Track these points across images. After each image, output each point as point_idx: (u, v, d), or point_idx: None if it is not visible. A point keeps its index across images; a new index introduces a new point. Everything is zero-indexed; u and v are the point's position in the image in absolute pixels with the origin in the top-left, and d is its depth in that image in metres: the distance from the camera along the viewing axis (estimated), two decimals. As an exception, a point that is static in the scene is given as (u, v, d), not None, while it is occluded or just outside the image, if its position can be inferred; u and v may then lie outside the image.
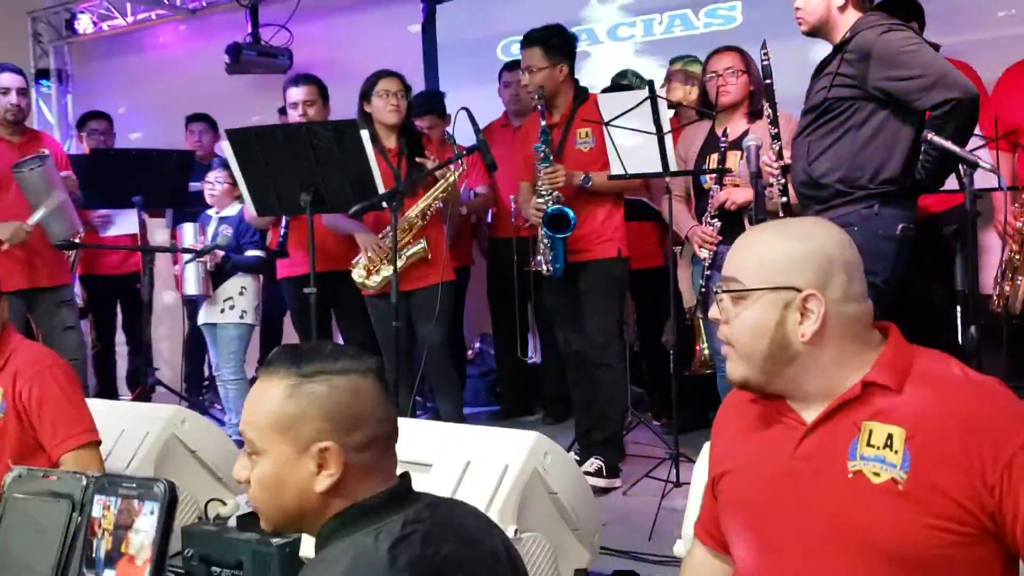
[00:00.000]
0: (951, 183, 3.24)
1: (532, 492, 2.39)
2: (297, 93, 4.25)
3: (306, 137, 3.57)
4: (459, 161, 3.73)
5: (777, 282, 1.41)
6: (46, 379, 2.53)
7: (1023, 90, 3.56)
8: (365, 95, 3.90)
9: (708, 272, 3.45)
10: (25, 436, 2.53)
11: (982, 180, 3.22)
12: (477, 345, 5.52)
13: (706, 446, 2.37)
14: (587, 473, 3.57)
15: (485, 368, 5.37)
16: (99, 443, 2.58)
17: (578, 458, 3.70)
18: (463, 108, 3.54)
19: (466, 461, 2.41)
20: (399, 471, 1.38)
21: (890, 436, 1.35)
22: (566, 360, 3.99)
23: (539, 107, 3.70)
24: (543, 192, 3.65)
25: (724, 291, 1.46)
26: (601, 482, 3.62)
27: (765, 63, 3.09)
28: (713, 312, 1.50)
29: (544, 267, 3.75)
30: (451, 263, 4.01)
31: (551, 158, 3.66)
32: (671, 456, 3.61)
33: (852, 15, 2.82)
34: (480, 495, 2.27)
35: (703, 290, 3.42)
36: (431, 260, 3.83)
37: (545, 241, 3.69)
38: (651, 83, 3.54)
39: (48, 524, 1.87)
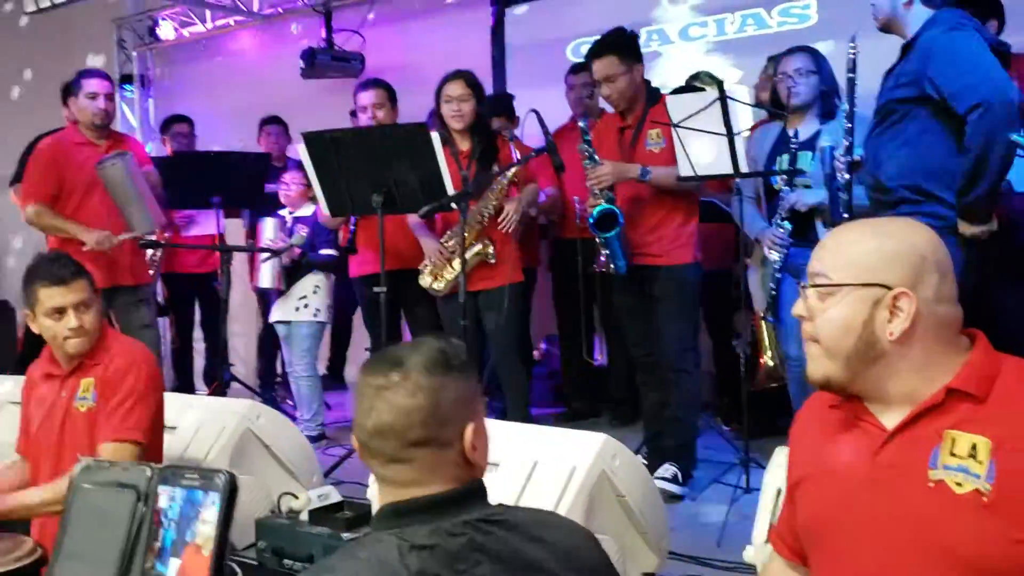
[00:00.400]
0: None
1: (600, 494, 2.38)
2: (366, 97, 4.33)
3: (378, 140, 3.63)
4: (518, 164, 3.74)
5: (868, 279, 1.39)
6: (131, 371, 2.58)
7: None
8: (437, 99, 3.95)
9: (779, 275, 3.40)
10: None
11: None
12: (543, 346, 5.53)
13: (778, 452, 2.37)
14: (662, 479, 3.55)
15: (551, 369, 5.37)
16: (142, 447, 2.55)
17: (645, 462, 3.68)
18: (532, 110, 3.56)
19: (534, 461, 2.41)
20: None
21: (974, 446, 1.32)
22: (637, 364, 3.97)
23: (595, 110, 3.70)
24: (595, 191, 3.64)
25: (812, 286, 1.45)
26: (675, 488, 3.59)
27: (852, 55, 3.04)
28: (798, 308, 1.47)
29: (608, 266, 3.74)
30: (519, 264, 4.03)
31: (596, 159, 3.64)
32: (741, 462, 3.57)
33: (921, 11, 2.78)
34: (548, 496, 2.27)
35: (773, 293, 3.37)
36: (497, 261, 3.85)
37: (600, 241, 3.68)
38: (721, 83, 3.51)
39: (114, 514, 1.92)
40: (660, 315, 3.75)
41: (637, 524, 2.50)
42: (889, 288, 1.38)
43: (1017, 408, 1.34)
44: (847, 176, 3.02)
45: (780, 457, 2.35)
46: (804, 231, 3.40)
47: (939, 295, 1.39)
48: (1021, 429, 1.31)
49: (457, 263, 3.74)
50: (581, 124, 3.72)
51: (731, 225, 3.97)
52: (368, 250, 4.21)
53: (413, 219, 4.01)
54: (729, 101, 3.35)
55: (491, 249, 3.84)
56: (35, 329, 2.63)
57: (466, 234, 3.65)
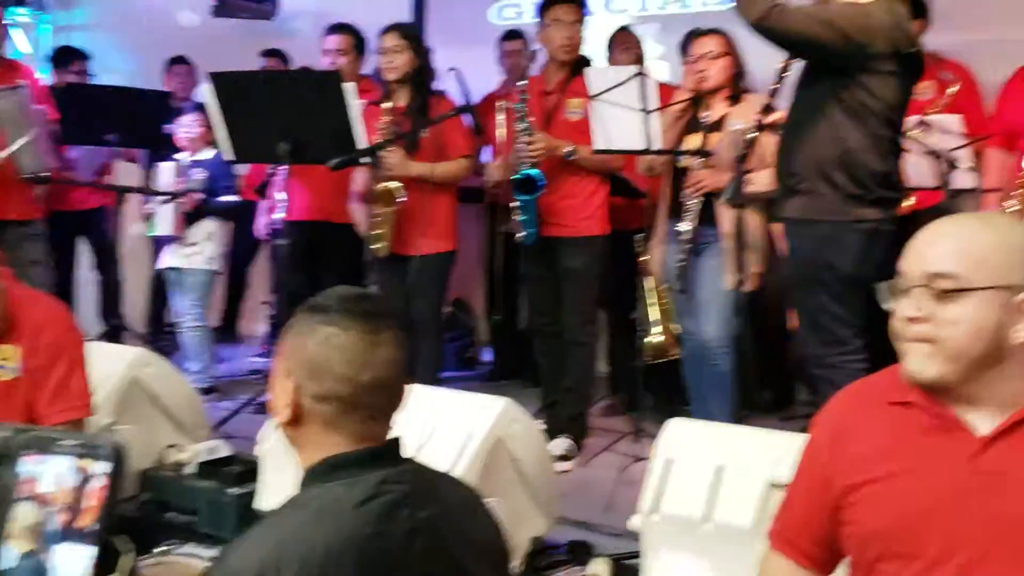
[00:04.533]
0: (929, 180, 3.30)
1: (496, 458, 2.40)
2: (330, 41, 4.25)
3: (289, 85, 3.52)
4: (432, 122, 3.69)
5: (999, 281, 1.34)
6: (63, 339, 2.40)
7: (1019, 94, 3.57)
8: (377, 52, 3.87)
9: (688, 246, 3.43)
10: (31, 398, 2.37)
11: (962, 180, 3.28)
12: (448, 310, 5.51)
13: (670, 423, 2.42)
14: (555, 455, 3.59)
15: (455, 333, 5.37)
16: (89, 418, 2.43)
17: (543, 427, 3.72)
18: (452, 69, 3.51)
19: (432, 426, 2.41)
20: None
21: None
22: (537, 332, 3.99)
23: (530, 67, 3.68)
24: (521, 156, 3.63)
25: (938, 289, 1.35)
26: (565, 465, 3.62)
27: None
28: (909, 309, 1.39)
29: (519, 233, 3.74)
30: (451, 231, 3.97)
31: (528, 120, 3.62)
32: (633, 431, 3.64)
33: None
34: (444, 458, 2.27)
35: (682, 264, 3.40)
36: (428, 227, 3.81)
37: (516, 205, 3.67)
38: (639, 59, 3.52)
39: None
40: (564, 286, 3.77)
41: (529, 488, 2.53)
42: (1018, 290, 1.34)
43: None
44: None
45: (672, 428, 2.41)
46: (708, 209, 3.45)
47: None
48: None
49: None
50: (521, 83, 3.67)
51: (640, 200, 4.00)
52: (296, 197, 4.11)
53: (358, 186, 3.95)
54: (646, 78, 3.36)
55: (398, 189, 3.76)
56: None
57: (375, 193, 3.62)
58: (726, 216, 3.29)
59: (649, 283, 3.81)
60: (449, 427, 2.40)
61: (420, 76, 3.83)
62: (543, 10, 3.77)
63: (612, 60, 4.39)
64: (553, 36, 3.72)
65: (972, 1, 4.30)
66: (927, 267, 1.37)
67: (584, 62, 3.80)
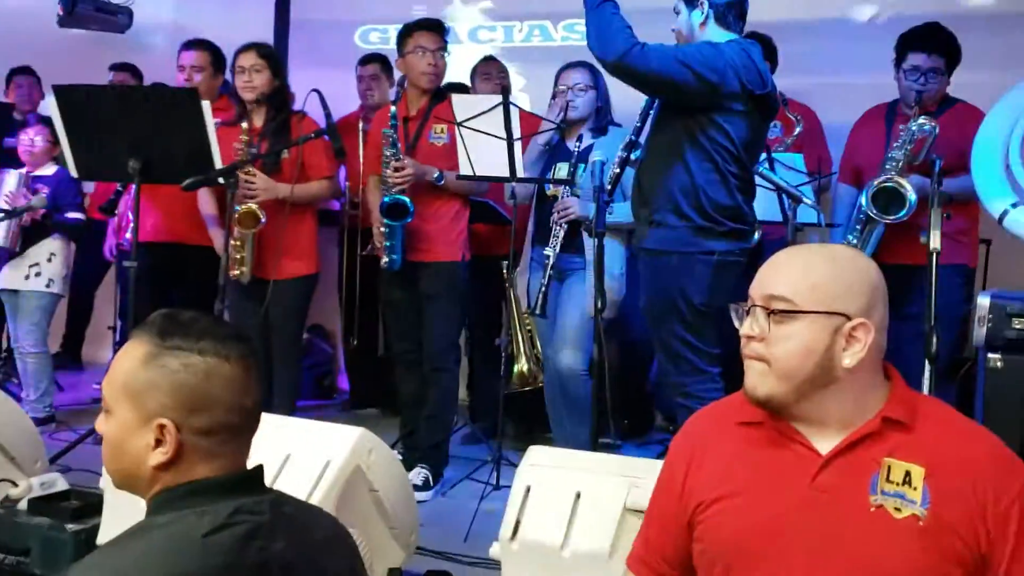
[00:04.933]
0: (776, 214, 3.46)
1: (353, 488, 2.35)
2: (186, 57, 4.11)
3: (142, 101, 3.39)
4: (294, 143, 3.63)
5: (832, 307, 1.41)
6: None
7: (867, 135, 3.79)
8: (231, 69, 3.76)
9: (551, 272, 3.47)
10: None
11: (806, 215, 3.45)
12: (305, 336, 5.38)
13: (531, 451, 2.42)
14: (414, 484, 3.54)
15: (313, 361, 5.26)
16: None
17: (402, 456, 3.67)
18: (314, 90, 3.45)
19: (286, 454, 2.34)
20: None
21: (908, 473, 1.38)
22: (397, 359, 3.94)
23: (396, 93, 3.67)
24: (388, 181, 3.61)
25: (773, 310, 1.42)
26: (423, 495, 3.58)
27: None
28: (746, 328, 1.46)
29: (383, 258, 3.70)
30: (313, 255, 3.91)
31: (399, 145, 3.61)
32: (492, 459, 3.64)
33: (716, 31, 2.89)
34: (300, 489, 2.20)
35: (543, 291, 3.44)
36: (292, 252, 3.74)
37: (383, 230, 3.64)
38: (505, 89, 3.57)
39: None
40: (427, 312, 3.75)
41: (387, 518, 2.48)
42: (849, 317, 1.41)
43: (942, 437, 1.42)
44: (609, 188, 3.14)
45: (532, 455, 2.41)
46: (571, 238, 3.51)
47: (882, 325, 1.44)
48: (947, 457, 1.39)
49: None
50: (392, 109, 3.63)
51: (507, 227, 4.01)
52: (147, 216, 3.94)
53: (206, 208, 3.83)
54: (511, 107, 3.40)
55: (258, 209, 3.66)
56: None
57: (237, 215, 3.52)
58: (590, 243, 3.35)
59: (514, 309, 3.84)
60: (305, 456, 2.34)
61: (278, 96, 3.76)
62: (403, 37, 3.76)
63: (477, 88, 4.42)
64: (414, 63, 3.71)
65: (816, 47, 4.56)
66: (766, 290, 1.45)
67: (454, 88, 3.82)
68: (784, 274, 1.45)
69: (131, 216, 3.76)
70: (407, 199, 3.56)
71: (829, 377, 1.42)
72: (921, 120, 3.47)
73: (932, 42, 3.57)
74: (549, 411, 3.67)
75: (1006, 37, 4.09)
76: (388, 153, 3.60)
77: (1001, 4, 4.32)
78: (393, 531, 2.51)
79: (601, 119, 3.64)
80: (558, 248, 3.44)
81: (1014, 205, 3.31)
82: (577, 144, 3.53)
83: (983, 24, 4.10)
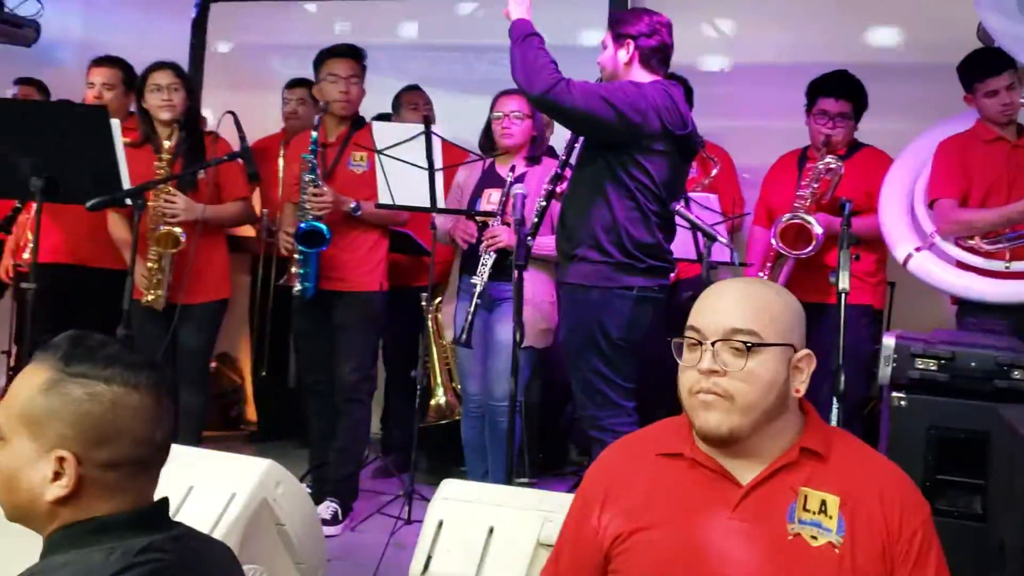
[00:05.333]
0: (691, 252, 3.52)
1: (258, 522, 2.26)
2: (96, 74, 3.99)
3: (47, 117, 3.26)
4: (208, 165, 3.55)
5: (787, 338, 1.46)
6: None
7: (782, 179, 3.90)
8: (139, 89, 3.64)
9: (478, 301, 3.44)
10: None
11: (720, 253, 3.51)
12: (213, 364, 5.23)
13: (445, 484, 2.38)
14: (322, 519, 3.45)
15: (220, 390, 5.10)
16: None
17: (310, 489, 3.57)
18: (229, 112, 3.38)
19: (189, 486, 2.25)
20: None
21: (824, 502, 1.41)
22: (308, 390, 3.86)
23: (317, 119, 3.60)
24: (306, 208, 3.54)
25: (751, 344, 1.43)
26: (332, 529, 3.49)
27: None
28: (707, 363, 1.44)
29: (296, 286, 3.62)
30: (226, 279, 3.82)
31: (318, 171, 3.55)
32: (404, 493, 3.57)
33: (640, 73, 2.94)
34: (203, 522, 2.11)
35: (469, 320, 3.41)
36: (203, 275, 3.64)
37: (298, 258, 3.57)
38: (427, 119, 3.56)
39: None
40: (340, 342, 3.68)
41: (294, 554, 2.40)
42: (796, 349, 1.47)
43: (855, 467, 1.45)
44: (536, 221, 3.15)
45: (445, 488, 2.37)
46: (502, 266, 3.48)
47: None
48: (860, 486, 1.42)
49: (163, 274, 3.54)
50: (314, 135, 3.57)
51: (426, 258, 3.98)
52: (50, 235, 3.79)
53: (118, 232, 3.72)
54: (433, 136, 3.39)
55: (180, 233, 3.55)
56: None
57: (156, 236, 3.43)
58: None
59: (434, 341, 3.79)
60: (209, 488, 2.25)
61: (191, 116, 3.69)
62: (318, 64, 3.72)
63: (404, 118, 4.40)
64: (328, 91, 3.67)
65: (731, 92, 4.68)
66: (726, 324, 1.45)
67: (383, 118, 3.79)
68: (743, 308, 1.47)
69: (30, 236, 3.59)
70: (324, 226, 3.51)
71: (782, 408, 1.46)
72: (828, 159, 3.61)
73: (841, 88, 3.72)
74: (467, 446, 3.63)
75: (913, 87, 4.27)
76: (307, 179, 3.55)
77: (906, 56, 4.51)
78: (300, 566, 2.43)
79: (535, 148, 3.65)
80: (486, 277, 3.43)
81: (918, 249, 3.44)
82: (510, 173, 3.54)
83: (891, 74, 4.27)
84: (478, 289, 3.39)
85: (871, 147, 3.81)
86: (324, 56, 3.72)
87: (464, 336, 3.31)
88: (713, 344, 1.44)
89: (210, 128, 3.82)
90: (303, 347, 3.88)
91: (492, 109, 3.66)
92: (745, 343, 1.43)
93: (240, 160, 3.50)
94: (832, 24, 4.58)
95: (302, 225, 3.52)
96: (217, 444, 3.83)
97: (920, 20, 4.42)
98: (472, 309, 3.35)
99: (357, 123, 3.74)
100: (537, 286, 3.43)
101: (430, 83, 4.67)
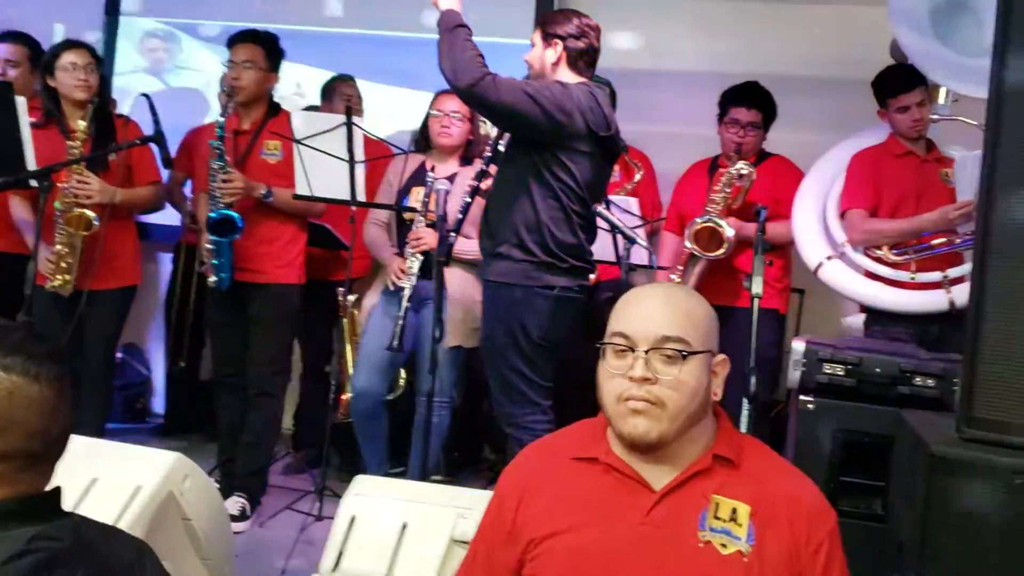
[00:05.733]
0: (610, 254, 3.55)
1: (164, 517, 2.20)
2: (0, 50, 3.85)
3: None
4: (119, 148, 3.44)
5: (708, 345, 1.48)
6: None
7: (693, 186, 3.97)
8: (48, 67, 3.50)
9: (408, 305, 3.41)
10: None
11: (638, 256, 3.55)
12: (119, 355, 5.07)
13: (357, 481, 2.35)
14: (230, 514, 3.37)
15: (125, 381, 4.95)
16: None
17: (219, 484, 3.49)
18: (143, 95, 3.29)
19: (92, 478, 2.17)
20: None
21: (734, 510, 1.42)
22: (219, 383, 3.77)
23: (228, 108, 3.51)
24: (215, 195, 3.45)
25: (675, 351, 1.43)
26: (240, 525, 3.42)
27: None
28: (640, 371, 1.43)
29: (211, 277, 3.53)
30: (137, 265, 3.72)
31: (227, 158, 3.46)
32: (317, 489, 3.52)
33: (567, 74, 2.95)
34: (106, 515, 2.04)
35: (401, 325, 3.37)
36: (113, 261, 3.54)
37: (210, 247, 3.49)
38: (348, 109, 3.50)
39: None
40: (254, 335, 3.61)
41: (200, 549, 2.34)
42: (714, 354, 1.49)
43: (765, 476, 1.47)
44: (459, 217, 3.14)
45: (358, 484, 2.34)
46: (427, 266, 3.44)
47: None
48: (770, 495, 1.44)
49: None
50: (220, 119, 3.47)
51: (344, 252, 3.91)
52: None
53: (19, 213, 3.58)
54: (355, 128, 3.34)
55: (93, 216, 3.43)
56: None
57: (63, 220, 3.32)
58: (449, 273, 3.32)
59: (349, 338, 3.74)
60: (113, 481, 2.17)
61: (101, 98, 3.57)
62: (228, 48, 3.64)
63: (327, 108, 4.32)
64: (227, 76, 3.59)
65: (652, 98, 4.74)
66: (656, 331, 1.45)
67: (277, 106, 3.71)
68: (672, 315, 1.47)
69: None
70: (236, 214, 3.42)
71: (703, 413, 1.48)
72: (740, 165, 3.69)
73: (752, 98, 3.84)
74: (364, 439, 3.59)
75: (828, 99, 4.40)
76: (215, 166, 3.45)
77: (823, 69, 4.63)
78: (206, 562, 2.37)
79: (471, 150, 3.62)
80: (414, 281, 3.40)
81: (829, 258, 3.54)
82: (431, 172, 3.50)
83: (808, 86, 4.39)
84: (407, 293, 3.37)
85: (779, 156, 3.93)
86: (231, 41, 3.64)
87: (396, 343, 3.28)
88: (646, 352, 1.45)
89: (120, 111, 3.70)
90: (217, 339, 3.79)
91: (431, 106, 3.63)
92: (680, 351, 1.44)
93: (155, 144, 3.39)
94: (753, 36, 4.68)
95: (212, 214, 3.43)
96: (121, 437, 3.71)
97: (837, 36, 4.55)
98: (402, 314, 3.34)
99: (272, 111, 3.66)
100: (467, 286, 3.42)
101: (360, 72, 4.62)
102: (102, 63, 3.66)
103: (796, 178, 3.84)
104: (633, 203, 3.83)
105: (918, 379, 2.57)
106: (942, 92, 3.59)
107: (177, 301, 4.63)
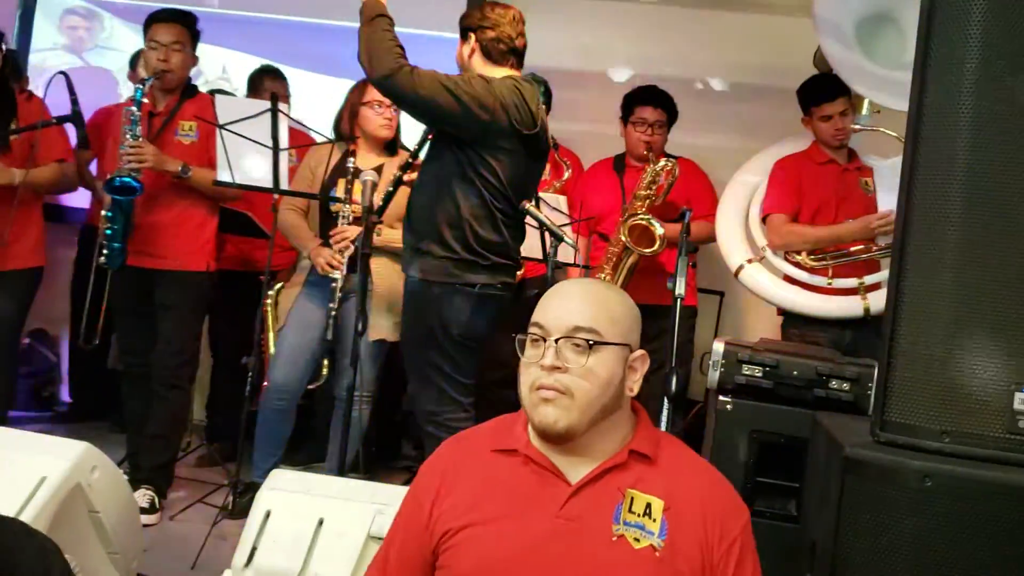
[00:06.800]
0: (538, 251, 3.55)
1: (70, 509, 2.12)
2: None
3: None
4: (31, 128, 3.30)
5: (626, 338, 1.49)
6: None
7: (604, 185, 4.00)
8: None
9: (341, 295, 3.35)
10: None
11: (564, 254, 3.55)
12: (25, 340, 4.88)
13: (274, 475, 2.30)
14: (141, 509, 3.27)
15: (32, 368, 4.77)
16: None
17: (128, 476, 3.38)
18: (60, 73, 3.16)
19: (-8, 468, 2.08)
20: None
21: (648, 505, 1.43)
22: (124, 373, 3.65)
23: (145, 81, 3.38)
24: (123, 159, 3.30)
25: (593, 342, 1.45)
26: (148, 518, 3.31)
27: None
28: (550, 359, 1.45)
29: (101, 258, 3.38)
30: (42, 248, 3.58)
31: (140, 127, 3.33)
32: (229, 483, 3.44)
33: (485, 66, 2.92)
34: (8, 506, 1.96)
35: (334, 318, 3.31)
36: (13, 240, 3.40)
37: (106, 213, 3.35)
38: (274, 96, 3.42)
39: None
40: (161, 323, 3.50)
41: (107, 543, 2.27)
42: (632, 349, 1.50)
43: (680, 473, 1.48)
44: (381, 205, 3.10)
45: (274, 478, 2.29)
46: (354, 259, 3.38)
47: None
48: (684, 492, 1.45)
49: None
50: (139, 87, 3.34)
51: (265, 240, 3.83)
52: None
53: None
54: (280, 116, 3.27)
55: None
56: None
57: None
58: (375, 265, 3.27)
59: (271, 328, 3.65)
60: (16, 471, 2.09)
61: (2, 74, 3.40)
62: (145, 29, 3.52)
63: (253, 95, 4.22)
64: (149, 57, 3.48)
65: (581, 98, 4.76)
66: (569, 322, 1.47)
67: (194, 87, 3.61)
68: (586, 307, 1.49)
69: None
70: (137, 183, 3.29)
71: (616, 406, 1.49)
72: (663, 162, 3.74)
73: (657, 98, 3.94)
74: (268, 433, 3.52)
75: (753, 106, 4.48)
76: (128, 134, 3.32)
77: (749, 77, 4.71)
78: (113, 556, 2.29)
79: (394, 141, 3.56)
80: (345, 270, 3.34)
81: (749, 261, 3.61)
82: (352, 159, 3.43)
83: (733, 93, 4.47)
84: (339, 284, 3.33)
85: (683, 157, 3.98)
86: (148, 21, 3.51)
87: (331, 335, 3.23)
88: (556, 341, 1.46)
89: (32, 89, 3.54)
90: (122, 327, 3.66)
91: (364, 96, 3.52)
92: (587, 340, 1.46)
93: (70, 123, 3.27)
94: (682, 42, 4.74)
95: (116, 178, 3.28)
96: (25, 425, 3.58)
97: (764, 44, 4.64)
98: (337, 305, 3.30)
99: (188, 92, 3.55)
100: (393, 278, 3.37)
101: (286, 59, 4.53)
102: (3, 35, 3.47)
103: (703, 179, 3.92)
104: (562, 201, 3.84)
105: (834, 383, 2.62)
106: (865, 103, 3.68)
107: (85, 283, 4.46)
